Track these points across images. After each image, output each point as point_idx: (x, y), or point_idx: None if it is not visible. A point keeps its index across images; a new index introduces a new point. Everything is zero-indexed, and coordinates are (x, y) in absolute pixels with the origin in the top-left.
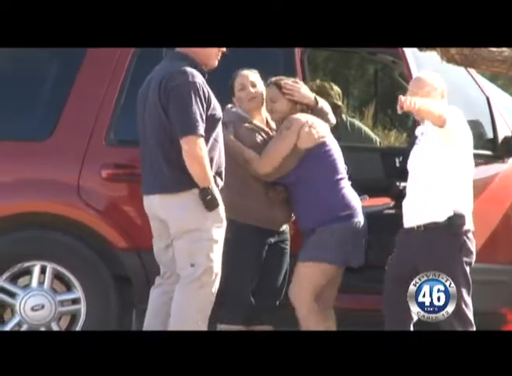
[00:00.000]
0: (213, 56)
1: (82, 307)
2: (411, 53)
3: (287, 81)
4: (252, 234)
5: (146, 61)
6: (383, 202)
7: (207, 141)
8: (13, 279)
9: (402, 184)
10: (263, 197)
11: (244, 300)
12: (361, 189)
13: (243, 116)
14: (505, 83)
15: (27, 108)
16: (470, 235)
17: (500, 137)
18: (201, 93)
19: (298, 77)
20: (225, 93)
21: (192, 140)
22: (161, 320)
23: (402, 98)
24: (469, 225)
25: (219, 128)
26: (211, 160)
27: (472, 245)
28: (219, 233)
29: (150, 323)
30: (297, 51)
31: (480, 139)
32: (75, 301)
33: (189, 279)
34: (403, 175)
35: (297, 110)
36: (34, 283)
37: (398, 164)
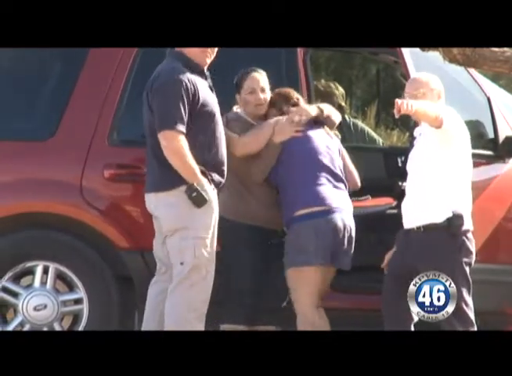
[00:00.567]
0: (208, 52)
1: (85, 307)
2: (409, 54)
3: (292, 109)
4: (253, 234)
5: (148, 61)
6: (385, 202)
7: (201, 137)
8: (16, 279)
9: (405, 184)
10: (263, 196)
11: (246, 300)
12: (363, 189)
13: (247, 120)
14: (507, 83)
15: (30, 108)
16: (469, 235)
17: (501, 137)
18: (186, 90)
19: (301, 78)
20: (227, 92)
21: (169, 135)
22: (158, 320)
23: (398, 102)
24: (468, 225)
25: (217, 125)
26: (207, 157)
27: (472, 245)
28: (208, 230)
29: (148, 324)
30: (300, 51)
31: (481, 139)
32: (77, 301)
33: (179, 277)
34: (405, 175)
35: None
36: (37, 283)
37: (400, 164)
